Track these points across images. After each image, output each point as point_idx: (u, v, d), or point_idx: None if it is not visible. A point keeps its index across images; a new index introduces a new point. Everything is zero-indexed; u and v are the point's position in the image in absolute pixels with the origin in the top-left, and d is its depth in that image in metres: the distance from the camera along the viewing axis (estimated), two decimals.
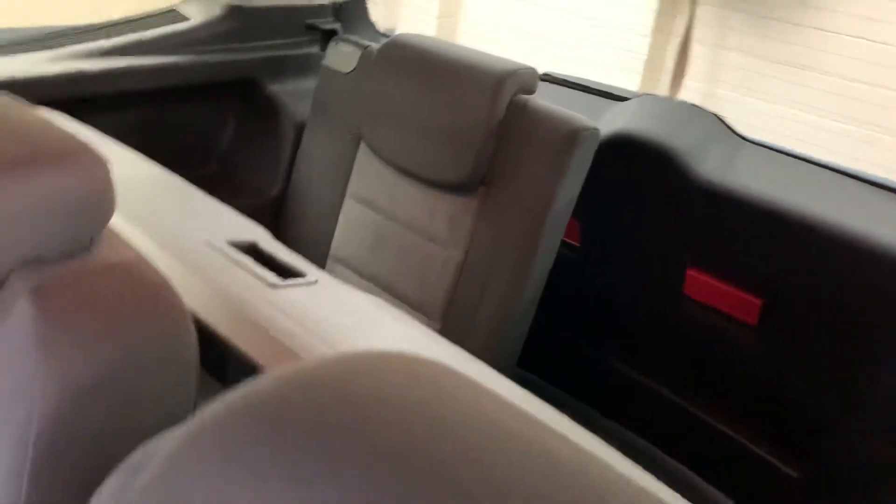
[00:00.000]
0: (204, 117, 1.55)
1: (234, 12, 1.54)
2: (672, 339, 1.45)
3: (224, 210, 0.92)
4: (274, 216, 1.53)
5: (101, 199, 0.50)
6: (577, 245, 1.52)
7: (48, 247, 0.48)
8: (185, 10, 1.52)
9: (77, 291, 0.49)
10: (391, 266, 1.36)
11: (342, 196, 1.43)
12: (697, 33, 3.63)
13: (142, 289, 0.52)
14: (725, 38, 3.63)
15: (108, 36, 1.37)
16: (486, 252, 1.26)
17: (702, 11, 3.62)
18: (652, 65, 3.80)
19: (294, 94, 1.57)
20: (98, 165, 0.50)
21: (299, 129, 1.53)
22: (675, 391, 1.46)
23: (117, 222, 0.60)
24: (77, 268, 0.49)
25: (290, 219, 1.50)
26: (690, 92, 3.63)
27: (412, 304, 1.33)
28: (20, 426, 0.47)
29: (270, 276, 0.76)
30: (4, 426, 0.47)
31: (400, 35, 1.36)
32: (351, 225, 1.42)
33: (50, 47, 1.34)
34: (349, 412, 0.29)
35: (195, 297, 0.68)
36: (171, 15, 1.48)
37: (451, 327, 1.29)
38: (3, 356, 0.48)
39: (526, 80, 1.24)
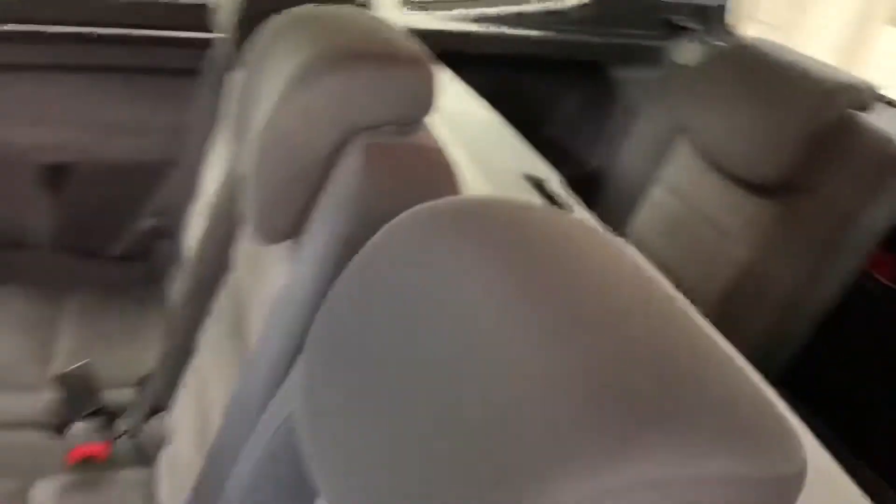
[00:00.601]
0: (550, 88, 1.75)
1: (603, 0, 1.70)
2: None
3: (534, 156, 1.09)
4: (586, 188, 1.67)
5: (423, 97, 0.69)
6: (891, 285, 1.42)
7: (380, 121, 0.69)
8: None
9: (393, 157, 0.68)
10: (678, 253, 1.42)
11: (652, 180, 1.52)
12: None
13: (437, 171, 0.70)
14: None
15: (488, 5, 1.64)
16: (775, 260, 1.26)
17: None
18: None
19: (634, 81, 1.69)
20: (428, 73, 0.69)
21: (631, 114, 1.64)
22: None
23: (440, 129, 0.78)
24: (398, 140, 0.69)
25: (601, 193, 1.63)
26: None
27: (686, 291, 1.38)
28: (330, 241, 0.67)
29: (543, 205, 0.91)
30: (321, 235, 0.68)
31: (747, 37, 1.41)
32: (652, 208, 1.51)
33: (446, 8, 1.65)
34: (514, 228, 0.42)
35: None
36: None
37: (719, 326, 1.32)
38: (335, 193, 0.69)
39: (860, 95, 1.21)
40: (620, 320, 0.35)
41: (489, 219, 0.42)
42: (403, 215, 0.45)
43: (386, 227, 0.45)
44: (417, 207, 0.45)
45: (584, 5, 1.70)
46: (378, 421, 0.38)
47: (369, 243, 0.46)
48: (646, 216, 1.52)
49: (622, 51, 1.72)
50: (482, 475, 0.30)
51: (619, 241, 0.43)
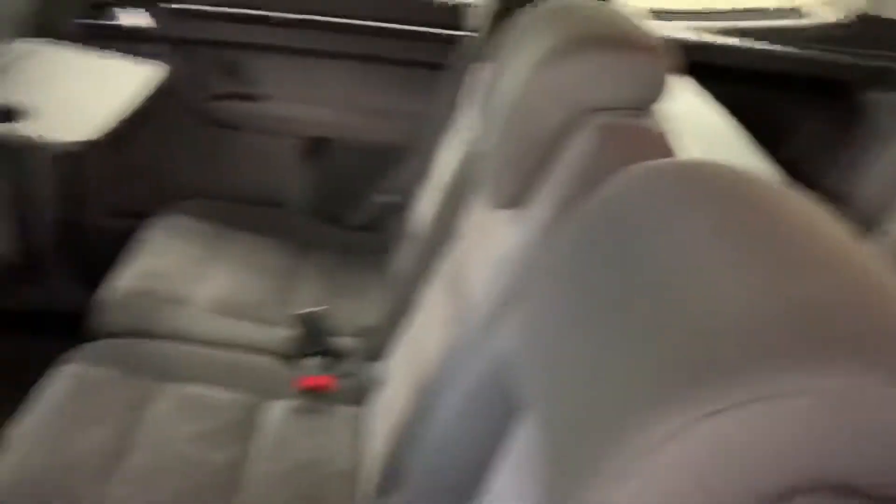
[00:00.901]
0: (793, 106, 1.69)
1: (861, 20, 1.62)
2: None
3: (767, 167, 1.07)
4: None
5: (654, 84, 0.74)
6: None
7: (613, 103, 0.74)
8: (808, 9, 1.68)
9: (621, 137, 0.73)
10: None
11: (892, 211, 1.43)
12: None
13: (660, 154, 0.74)
14: None
15: (735, 19, 1.62)
16: None
17: None
18: None
19: (886, 106, 1.59)
20: (660, 62, 0.74)
21: (877, 140, 1.55)
22: None
23: (674, 125, 0.82)
24: (627, 122, 0.74)
25: None
26: None
27: None
28: (555, 210, 0.74)
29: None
30: (548, 204, 0.74)
31: None
32: (890, 240, 1.41)
33: (690, 20, 1.66)
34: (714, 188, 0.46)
35: None
36: (792, 11, 1.66)
37: None
38: (565, 166, 0.75)
39: None
40: (826, 266, 0.38)
41: (700, 174, 0.47)
42: (621, 173, 0.50)
43: (606, 183, 0.51)
44: (635, 166, 0.50)
45: (842, 24, 1.63)
46: (593, 342, 0.43)
47: (589, 198, 0.52)
48: (881, 248, 1.43)
49: (878, 74, 1.62)
50: (683, 376, 0.35)
51: (823, 208, 0.45)
